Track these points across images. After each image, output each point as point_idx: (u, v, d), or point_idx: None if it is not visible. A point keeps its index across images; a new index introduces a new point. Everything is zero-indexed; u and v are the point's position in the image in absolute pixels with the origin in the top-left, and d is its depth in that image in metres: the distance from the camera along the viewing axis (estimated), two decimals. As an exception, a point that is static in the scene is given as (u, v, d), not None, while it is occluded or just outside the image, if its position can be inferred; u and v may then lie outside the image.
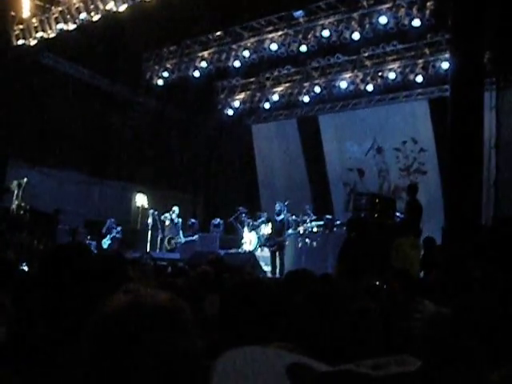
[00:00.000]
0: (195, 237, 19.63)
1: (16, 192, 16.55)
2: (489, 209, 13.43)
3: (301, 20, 18.33)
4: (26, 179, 16.67)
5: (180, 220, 19.76)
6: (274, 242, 17.53)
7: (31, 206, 16.56)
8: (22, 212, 16.48)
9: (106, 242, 18.98)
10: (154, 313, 1.45)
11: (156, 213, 19.70)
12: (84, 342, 1.50)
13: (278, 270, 16.92)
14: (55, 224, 17.02)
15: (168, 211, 19.76)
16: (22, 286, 3.65)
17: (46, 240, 15.99)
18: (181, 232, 19.73)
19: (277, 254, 17.33)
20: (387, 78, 19.77)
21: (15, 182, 16.62)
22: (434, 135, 19.53)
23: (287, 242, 17.58)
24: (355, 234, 11.33)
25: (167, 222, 19.69)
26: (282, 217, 17.91)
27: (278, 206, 18.01)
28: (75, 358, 1.68)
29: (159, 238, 19.84)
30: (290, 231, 17.81)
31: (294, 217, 18.57)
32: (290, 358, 1.26)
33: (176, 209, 19.74)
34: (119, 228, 19.37)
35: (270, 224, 18.38)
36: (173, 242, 19.64)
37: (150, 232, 19.64)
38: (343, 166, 22.11)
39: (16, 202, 16.49)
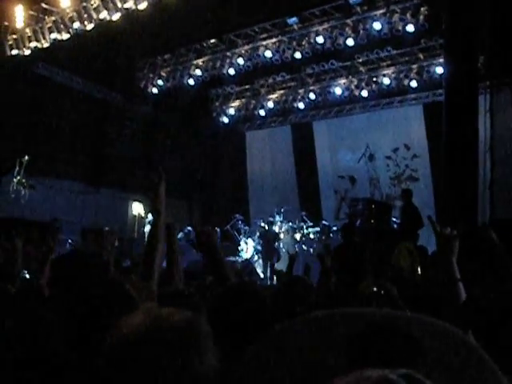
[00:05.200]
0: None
1: (17, 169, 16.61)
2: (484, 212, 13.39)
3: (295, 27, 18.32)
4: (27, 157, 16.73)
5: None
6: None
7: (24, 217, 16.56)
8: (21, 188, 16.53)
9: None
10: (172, 337, 1.43)
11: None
12: (98, 364, 1.48)
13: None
14: (55, 233, 16.96)
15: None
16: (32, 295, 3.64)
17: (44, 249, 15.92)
18: None
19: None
20: (382, 83, 19.79)
21: (17, 160, 16.68)
22: (428, 141, 19.52)
23: (284, 249, 17.62)
24: (349, 240, 11.30)
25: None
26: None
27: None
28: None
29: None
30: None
31: (290, 223, 18.57)
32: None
33: (150, 216, 19.65)
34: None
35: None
36: None
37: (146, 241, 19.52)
38: (335, 173, 21.97)
39: (18, 178, 16.54)
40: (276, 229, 18.37)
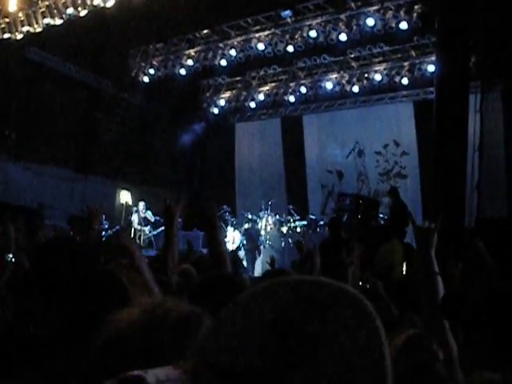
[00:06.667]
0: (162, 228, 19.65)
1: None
2: (472, 210, 13.47)
3: (288, 20, 18.32)
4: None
5: (148, 213, 19.48)
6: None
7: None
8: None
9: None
10: (172, 330, 1.41)
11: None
12: (92, 356, 1.46)
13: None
14: (40, 219, 16.90)
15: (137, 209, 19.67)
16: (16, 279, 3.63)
17: (30, 234, 15.89)
18: (148, 226, 19.53)
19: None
20: (373, 79, 19.80)
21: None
22: (417, 138, 19.56)
23: (270, 242, 17.67)
24: (336, 235, 11.33)
25: (135, 220, 19.48)
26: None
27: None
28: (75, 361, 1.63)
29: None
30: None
31: (277, 216, 18.60)
32: None
33: (141, 204, 19.55)
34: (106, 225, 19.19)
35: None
36: (144, 238, 19.48)
37: (133, 229, 19.47)
38: (323, 167, 21.99)
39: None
40: (259, 225, 18.44)
